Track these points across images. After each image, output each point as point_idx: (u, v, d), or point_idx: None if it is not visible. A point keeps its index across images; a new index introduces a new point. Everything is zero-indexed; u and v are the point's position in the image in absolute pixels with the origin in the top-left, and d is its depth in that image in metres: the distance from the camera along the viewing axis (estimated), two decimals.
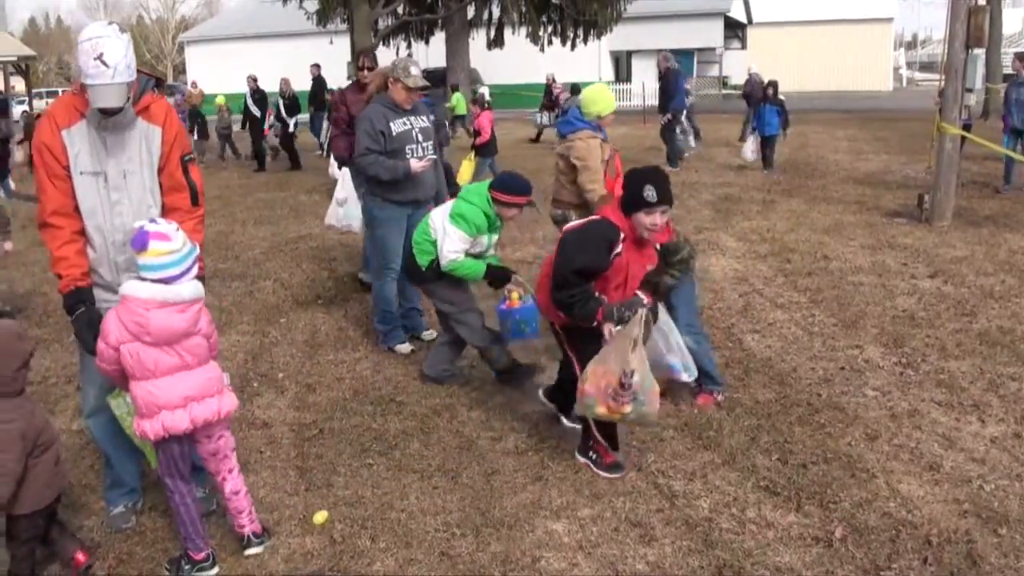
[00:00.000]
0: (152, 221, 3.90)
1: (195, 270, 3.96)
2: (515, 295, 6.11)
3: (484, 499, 4.62)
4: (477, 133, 16.28)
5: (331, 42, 36.44)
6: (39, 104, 43.66)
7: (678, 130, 18.66)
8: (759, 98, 17.39)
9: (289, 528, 4.41)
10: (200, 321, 3.94)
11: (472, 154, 15.58)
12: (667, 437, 5.25)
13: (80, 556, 4.09)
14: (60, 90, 56.38)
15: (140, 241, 3.80)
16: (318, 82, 24.00)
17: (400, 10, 30.70)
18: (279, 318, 8.13)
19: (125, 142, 4.14)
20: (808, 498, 4.51)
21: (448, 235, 5.80)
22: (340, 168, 8.76)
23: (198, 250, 4.01)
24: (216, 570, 4.11)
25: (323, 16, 30.33)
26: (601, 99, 6.80)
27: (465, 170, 14.20)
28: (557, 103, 25.48)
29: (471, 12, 32.68)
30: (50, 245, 4.11)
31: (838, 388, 5.96)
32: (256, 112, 20.97)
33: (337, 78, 31.75)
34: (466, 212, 5.77)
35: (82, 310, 4.12)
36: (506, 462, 5.00)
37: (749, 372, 6.26)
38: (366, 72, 8.49)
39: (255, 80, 21.37)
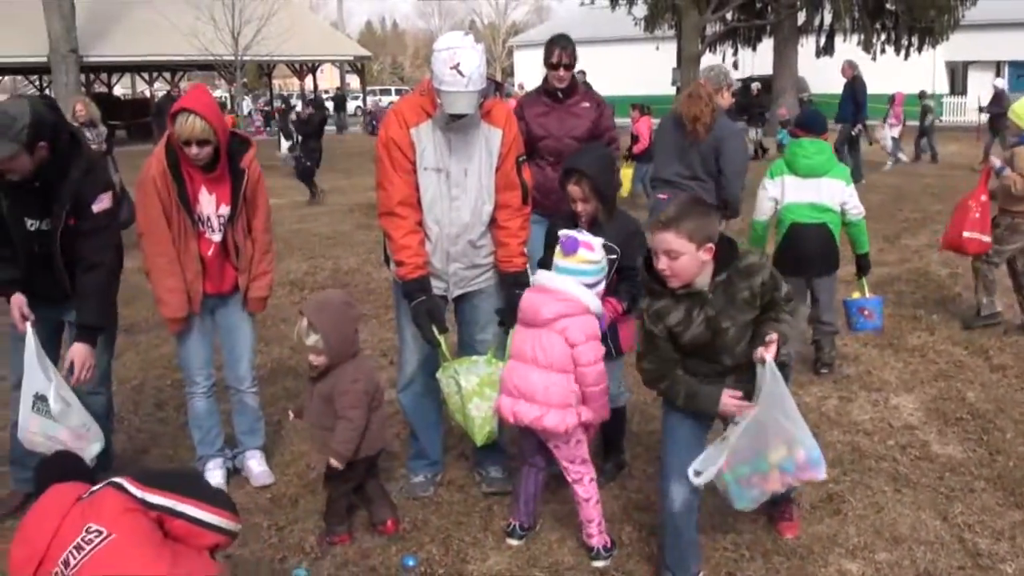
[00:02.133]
0: (579, 231, 4.15)
1: (601, 287, 4.17)
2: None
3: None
4: (635, 139, 15.49)
5: (657, 48, 36.60)
6: (372, 101, 47.06)
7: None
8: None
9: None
10: (570, 329, 4.00)
11: (629, 160, 15.07)
12: (978, 488, 4.94)
13: (391, 524, 4.48)
14: (393, 88, 60.40)
15: (571, 246, 4.04)
16: None
17: (729, 16, 30.39)
18: None
19: (468, 142, 4.48)
20: None
21: (853, 194, 6.36)
22: None
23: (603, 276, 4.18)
24: (514, 542, 4.39)
25: (651, 22, 30.54)
26: None
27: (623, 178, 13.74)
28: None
29: (801, 18, 31.78)
30: (394, 233, 4.48)
31: None
32: None
33: (661, 84, 31.89)
34: (842, 165, 6.40)
35: (422, 299, 4.49)
36: (805, 491, 4.87)
37: None
38: (562, 72, 6.15)
39: None
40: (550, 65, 6.17)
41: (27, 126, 4.12)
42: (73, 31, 28.96)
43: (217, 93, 68.60)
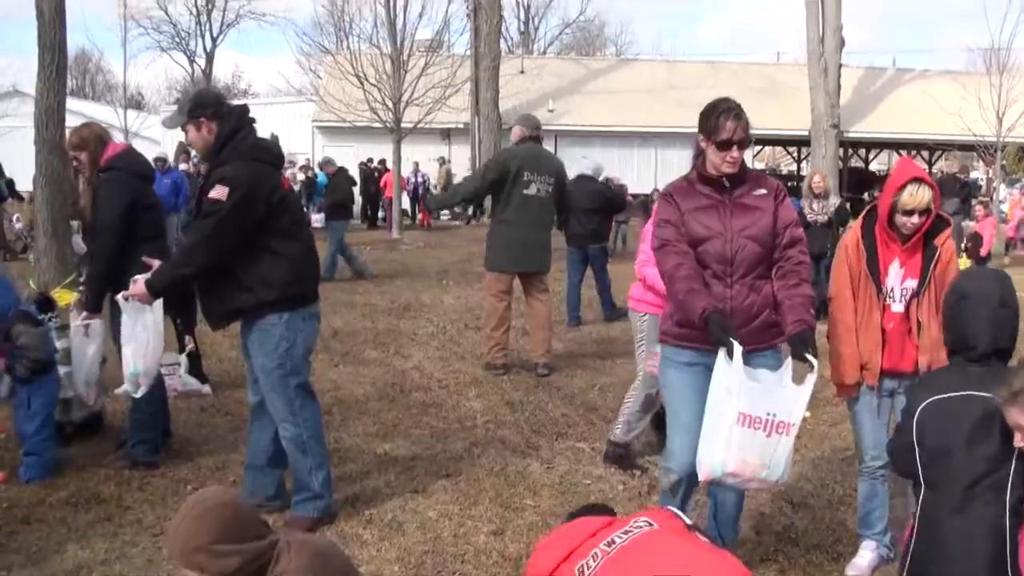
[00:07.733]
0: None
1: None
2: None
3: None
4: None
5: None
6: None
7: None
8: None
9: None
10: None
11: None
12: None
13: None
14: None
15: None
16: None
17: None
18: None
19: None
20: None
21: None
22: None
23: None
24: None
25: None
26: None
27: None
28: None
29: None
30: None
31: None
32: None
33: None
34: None
35: None
36: None
37: None
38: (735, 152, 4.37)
39: None
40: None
41: (190, 99, 5.11)
42: (836, 107, 30.18)
43: (974, 175, 66.29)
